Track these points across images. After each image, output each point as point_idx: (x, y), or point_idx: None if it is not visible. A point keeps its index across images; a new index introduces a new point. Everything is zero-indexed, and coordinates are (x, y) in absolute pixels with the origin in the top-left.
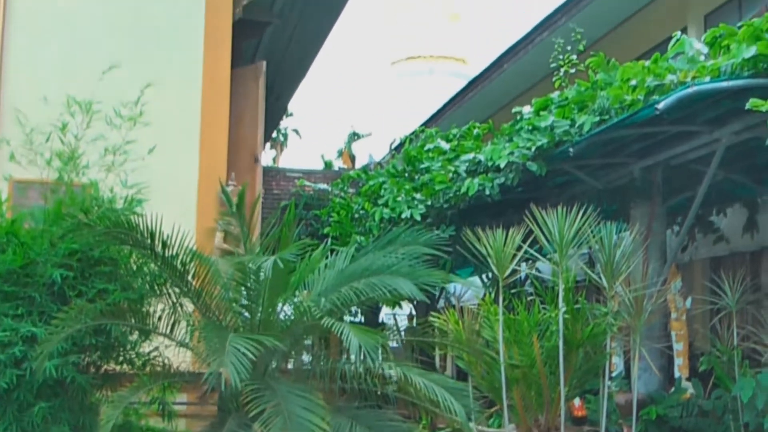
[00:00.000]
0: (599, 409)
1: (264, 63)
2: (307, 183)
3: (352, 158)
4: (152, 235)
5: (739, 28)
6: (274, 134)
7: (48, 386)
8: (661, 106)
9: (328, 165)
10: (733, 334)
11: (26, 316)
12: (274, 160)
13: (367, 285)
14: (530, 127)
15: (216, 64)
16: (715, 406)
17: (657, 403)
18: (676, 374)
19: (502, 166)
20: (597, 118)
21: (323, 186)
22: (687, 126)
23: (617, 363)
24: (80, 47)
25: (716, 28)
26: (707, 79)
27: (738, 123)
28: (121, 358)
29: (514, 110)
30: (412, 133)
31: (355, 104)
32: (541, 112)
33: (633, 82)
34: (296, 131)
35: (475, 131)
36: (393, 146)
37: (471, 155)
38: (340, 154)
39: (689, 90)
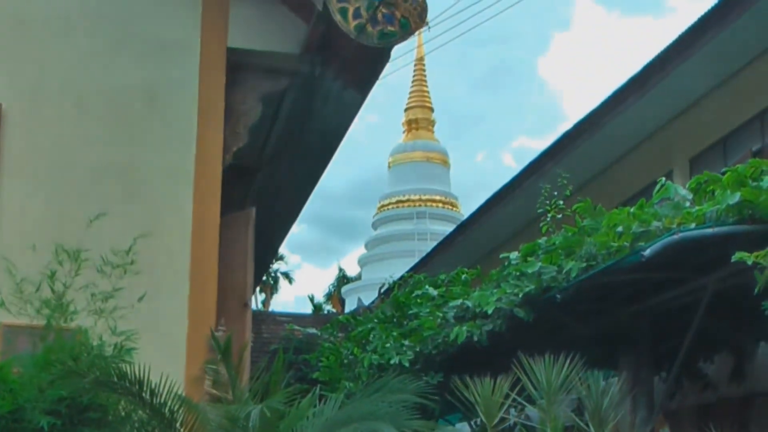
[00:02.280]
0: None
1: (253, 210)
2: (296, 327)
3: (342, 302)
4: (141, 384)
5: (723, 173)
6: (264, 277)
7: None
8: (647, 252)
9: (317, 308)
10: None
11: None
12: (264, 303)
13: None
14: (517, 273)
15: (205, 212)
16: None
17: None
18: None
19: (489, 312)
20: (584, 264)
21: (313, 330)
22: (673, 272)
23: None
24: (69, 196)
25: (700, 175)
26: (692, 225)
27: (724, 270)
28: None
29: (501, 255)
30: (401, 278)
31: (345, 246)
32: (529, 258)
33: (619, 229)
34: (286, 275)
35: (463, 276)
36: (382, 290)
37: (459, 301)
38: (329, 297)
39: (675, 237)
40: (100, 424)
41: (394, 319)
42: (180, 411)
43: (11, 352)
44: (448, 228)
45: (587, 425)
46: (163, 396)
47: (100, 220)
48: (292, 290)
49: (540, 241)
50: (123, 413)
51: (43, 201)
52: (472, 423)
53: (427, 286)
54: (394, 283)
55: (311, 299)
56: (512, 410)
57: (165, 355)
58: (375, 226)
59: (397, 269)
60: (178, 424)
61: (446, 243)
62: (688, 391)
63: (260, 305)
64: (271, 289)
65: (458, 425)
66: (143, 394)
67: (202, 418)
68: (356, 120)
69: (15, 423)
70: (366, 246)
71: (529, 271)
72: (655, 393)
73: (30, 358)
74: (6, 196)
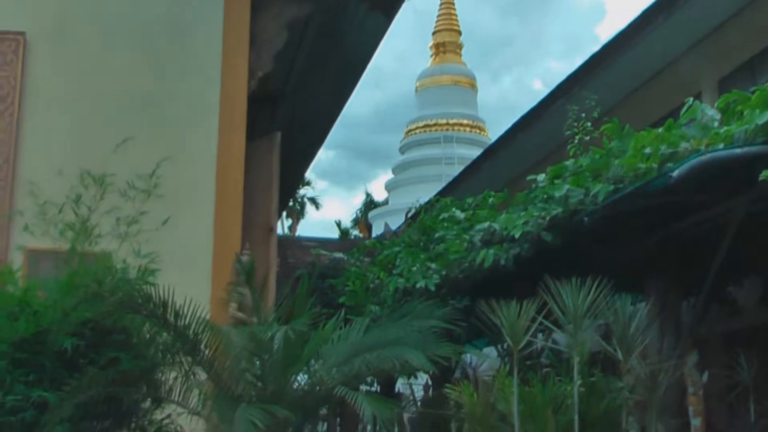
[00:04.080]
0: None
1: (279, 134)
2: (322, 252)
3: (368, 227)
4: (165, 306)
5: (752, 93)
6: (291, 202)
7: None
8: (675, 174)
9: (344, 233)
10: (750, 409)
11: (37, 383)
12: (290, 228)
13: (380, 357)
14: (545, 196)
15: (231, 138)
16: None
17: None
18: None
19: (516, 236)
20: (611, 187)
21: (339, 255)
22: (702, 195)
23: None
24: (95, 122)
25: (729, 93)
26: (721, 146)
27: (753, 191)
28: (133, 426)
29: (528, 178)
30: (428, 202)
31: (372, 172)
32: (556, 181)
33: (647, 150)
34: (313, 200)
35: (490, 200)
36: (409, 215)
37: (486, 225)
38: (356, 222)
39: (703, 158)
40: (123, 346)
41: (421, 243)
42: (204, 333)
43: (35, 276)
44: (476, 152)
45: (614, 350)
46: (188, 318)
47: (125, 146)
48: (318, 216)
49: (567, 163)
50: (147, 336)
51: (68, 128)
52: (499, 348)
53: (453, 210)
54: (421, 207)
55: (338, 224)
56: (539, 335)
57: (190, 279)
58: (402, 150)
59: (424, 194)
60: (202, 346)
61: (473, 167)
62: (717, 317)
63: (286, 231)
64: (297, 214)
65: (485, 350)
66: (167, 317)
67: (227, 340)
68: (382, 45)
69: (39, 345)
70: (393, 171)
71: (556, 194)
72: (683, 319)
73: (54, 282)
74: (31, 123)
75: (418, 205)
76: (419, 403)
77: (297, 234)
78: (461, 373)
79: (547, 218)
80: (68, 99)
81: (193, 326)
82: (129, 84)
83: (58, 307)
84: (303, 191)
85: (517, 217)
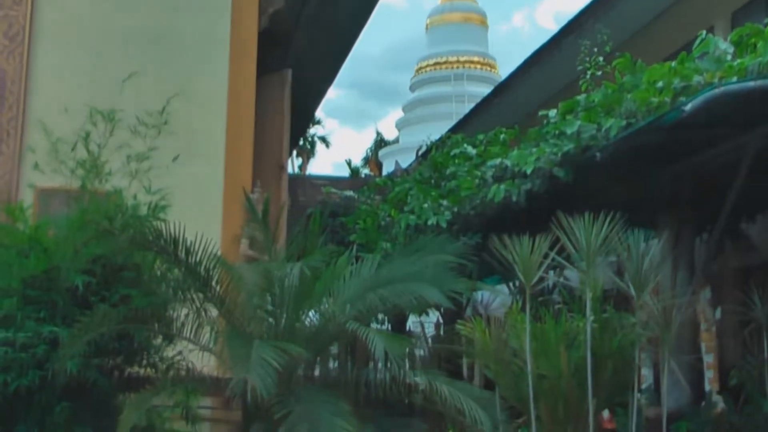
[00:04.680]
0: (629, 423)
1: (289, 72)
2: (333, 190)
3: (379, 165)
4: (176, 242)
5: (766, 26)
6: (301, 141)
7: (71, 389)
8: (687, 107)
9: (354, 172)
10: (763, 346)
11: (49, 320)
12: (300, 168)
13: (393, 292)
14: (557, 132)
15: (241, 74)
16: (747, 422)
17: (687, 419)
18: (706, 388)
19: (528, 172)
20: (624, 122)
21: (350, 193)
22: (715, 129)
23: (646, 375)
24: (104, 59)
25: (742, 27)
26: (734, 79)
27: (766, 125)
28: (144, 362)
29: (540, 113)
30: (439, 139)
31: (383, 111)
32: (568, 116)
33: (659, 84)
34: (323, 139)
35: (502, 136)
36: (419, 153)
37: (497, 161)
38: (367, 161)
39: (716, 91)
40: (135, 283)
41: (432, 180)
42: (216, 270)
43: (46, 215)
44: (486, 90)
45: (627, 286)
46: (199, 255)
47: (134, 82)
48: (328, 156)
49: (579, 98)
50: (158, 272)
51: (76, 64)
52: (510, 285)
53: (465, 146)
54: (432, 144)
55: (348, 163)
56: (551, 272)
57: (201, 216)
58: (413, 88)
59: (435, 132)
60: (213, 283)
61: (484, 104)
62: (730, 253)
63: (297, 170)
64: (307, 154)
65: (496, 288)
66: (179, 253)
67: (238, 277)
68: None
69: (50, 282)
70: (403, 109)
71: (568, 130)
72: (696, 255)
73: (65, 220)
74: (40, 60)
75: (429, 143)
76: (430, 341)
77: (307, 173)
78: (472, 311)
79: (559, 154)
80: (77, 36)
81: (204, 263)
82: (138, 20)
83: (69, 244)
84: (313, 130)
85: (528, 153)
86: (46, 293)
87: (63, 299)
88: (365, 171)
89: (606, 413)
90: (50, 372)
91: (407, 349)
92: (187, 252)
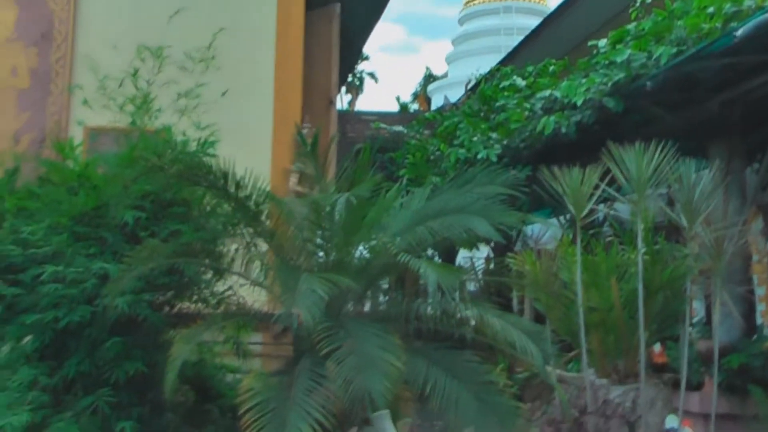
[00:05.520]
0: (680, 356)
1: (338, 6)
2: (382, 125)
3: (428, 100)
4: (225, 177)
5: None
6: (350, 78)
7: (121, 324)
8: (739, 33)
9: (403, 107)
10: None
11: (98, 256)
12: (350, 104)
13: (443, 225)
14: (606, 62)
15: (289, 8)
16: None
17: (739, 351)
18: (758, 320)
19: (578, 103)
20: (674, 50)
21: (399, 128)
22: (766, 55)
23: (698, 308)
24: None
25: None
26: None
27: None
28: (195, 297)
29: (590, 43)
30: (488, 72)
31: (431, 45)
32: (617, 45)
33: (710, 10)
34: (372, 75)
35: (551, 68)
36: (468, 86)
37: (547, 92)
38: (416, 96)
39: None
40: (184, 218)
41: (481, 113)
42: (265, 204)
43: (95, 152)
44: (535, 22)
45: (678, 217)
46: (249, 189)
47: (181, 18)
48: (377, 93)
49: (629, 27)
50: (208, 208)
51: (123, 2)
52: (560, 218)
53: (514, 78)
54: (481, 77)
55: (397, 99)
56: (601, 205)
57: (249, 151)
58: (461, 22)
59: (484, 65)
60: (263, 217)
61: (533, 36)
62: None
63: (346, 106)
64: (356, 90)
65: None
66: (228, 188)
67: (288, 210)
68: None
69: (99, 219)
70: (453, 43)
71: (618, 59)
72: (748, 185)
73: (114, 156)
74: None
75: (478, 76)
76: (480, 274)
77: (356, 109)
78: (522, 244)
79: (609, 84)
80: None
81: (254, 197)
82: None
83: (119, 181)
84: (361, 67)
85: (578, 84)
86: (95, 229)
87: (112, 235)
88: (414, 106)
89: (657, 346)
90: (100, 307)
91: (458, 279)
92: (237, 186)
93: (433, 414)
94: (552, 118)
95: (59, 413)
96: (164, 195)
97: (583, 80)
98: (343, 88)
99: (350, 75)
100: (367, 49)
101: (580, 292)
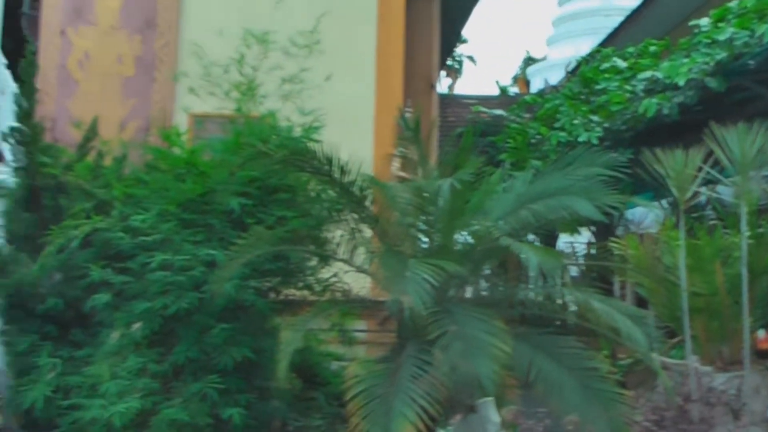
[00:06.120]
0: None
1: None
2: (482, 109)
3: (527, 83)
4: (330, 162)
5: None
6: (449, 61)
7: (228, 310)
8: None
9: (503, 91)
10: None
11: (205, 243)
12: (449, 87)
13: (546, 207)
14: (708, 41)
15: None
16: None
17: None
18: None
19: (680, 83)
20: None
21: (499, 112)
22: None
23: None
24: None
25: None
26: None
27: None
28: (300, 284)
29: (691, 23)
30: (588, 54)
31: (529, 28)
32: (719, 24)
33: None
34: (471, 58)
35: (652, 48)
36: (568, 69)
37: (648, 74)
38: (515, 79)
39: None
40: (290, 204)
41: (582, 96)
42: (370, 189)
43: (200, 139)
44: (635, 1)
45: None
46: (353, 174)
47: (284, 2)
48: (475, 78)
49: (731, 5)
50: (312, 193)
51: None
52: (662, 202)
53: (615, 59)
54: (581, 59)
55: (497, 83)
56: (703, 188)
57: (352, 136)
58: (560, 3)
59: (584, 47)
60: (367, 203)
61: (633, 17)
62: None
63: (445, 89)
64: (455, 73)
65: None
66: (333, 173)
67: (392, 195)
68: None
69: (206, 205)
70: (552, 25)
71: (721, 37)
72: None
73: (220, 142)
74: None
75: (578, 58)
76: (582, 259)
77: (455, 92)
78: (624, 228)
79: (712, 63)
80: None
81: (358, 182)
82: None
83: (225, 167)
84: (460, 50)
85: (680, 64)
86: (202, 216)
87: (219, 222)
88: (513, 90)
89: (761, 332)
90: (208, 294)
91: (561, 263)
92: (342, 172)
93: (536, 401)
94: (654, 99)
95: (168, 400)
96: (270, 181)
97: (685, 60)
98: (443, 72)
99: (449, 58)
100: (465, 32)
101: (684, 277)
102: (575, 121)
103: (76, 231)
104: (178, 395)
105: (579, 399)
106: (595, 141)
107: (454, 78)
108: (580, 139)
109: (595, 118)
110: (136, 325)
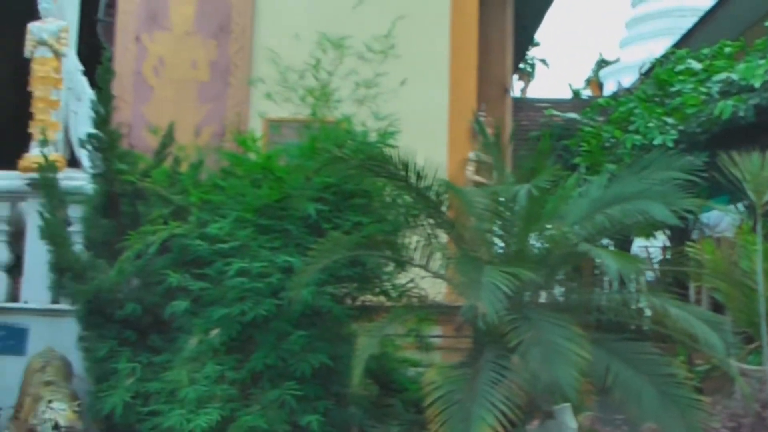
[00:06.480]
0: None
1: None
2: (555, 113)
3: (600, 86)
4: (406, 167)
5: None
6: (521, 65)
7: (305, 316)
8: None
9: (576, 94)
10: None
11: (282, 249)
12: (522, 91)
13: (621, 211)
14: None
15: None
16: None
17: None
18: None
19: (756, 85)
20: None
21: (572, 115)
22: None
23: None
24: None
25: None
26: None
27: None
28: (376, 290)
29: (767, 23)
30: (662, 55)
31: (601, 30)
32: None
33: None
34: (543, 61)
35: (727, 50)
36: (642, 71)
37: (723, 75)
38: (588, 82)
39: None
40: (366, 210)
41: (656, 98)
42: (445, 194)
43: (274, 144)
44: (710, 2)
45: None
46: (429, 179)
47: (359, 6)
48: (548, 81)
49: None
50: (388, 199)
51: None
52: (739, 205)
53: (689, 61)
54: (655, 61)
55: (570, 86)
56: None
57: (427, 141)
58: (634, 4)
59: (657, 49)
60: (443, 208)
61: (707, 17)
62: None
63: (518, 94)
64: (528, 77)
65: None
66: (409, 178)
67: (468, 201)
68: None
69: (282, 211)
70: (625, 26)
71: None
72: None
73: (296, 147)
74: None
75: (652, 60)
76: (657, 264)
77: (528, 96)
78: (699, 233)
79: None
80: None
81: (434, 187)
82: None
83: (301, 172)
84: (532, 53)
85: (756, 66)
86: (279, 222)
87: (296, 227)
88: (586, 93)
89: None
90: (285, 300)
91: (639, 269)
92: (418, 177)
93: (613, 407)
94: (729, 101)
95: (247, 407)
96: (345, 186)
97: (761, 62)
98: (515, 76)
99: (522, 62)
100: (537, 35)
101: (761, 281)
102: (650, 124)
103: (153, 236)
104: (256, 402)
105: (656, 405)
106: (670, 144)
107: (527, 81)
108: (655, 142)
109: (669, 120)
110: (214, 332)
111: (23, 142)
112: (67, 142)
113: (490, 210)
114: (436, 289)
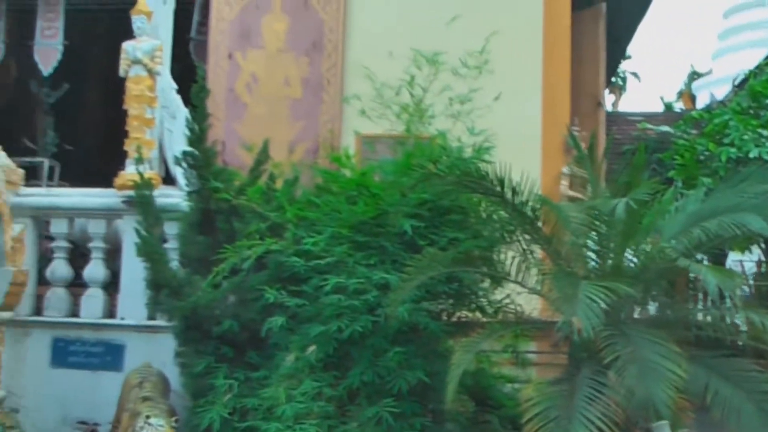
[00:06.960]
0: None
1: (604, 5)
2: (648, 126)
3: (693, 98)
4: (502, 183)
5: None
6: (613, 78)
7: (401, 333)
8: None
9: (668, 107)
10: None
11: (378, 265)
12: (614, 104)
13: (718, 225)
14: None
15: (556, 9)
16: None
17: None
18: None
19: None
20: None
21: (665, 128)
22: None
23: None
24: (421, 0)
25: None
26: None
27: None
28: (473, 306)
29: None
30: (756, 67)
31: (693, 42)
32: None
33: None
34: (635, 74)
35: None
36: (736, 82)
37: None
38: (680, 95)
39: None
40: (461, 226)
41: (751, 110)
42: (541, 210)
43: (368, 160)
44: None
45: None
46: (524, 195)
47: (452, 22)
48: (639, 94)
49: None
50: (484, 215)
51: (395, 7)
52: None
53: None
54: (750, 72)
55: (662, 99)
56: None
57: (520, 155)
58: (726, 15)
59: (750, 60)
60: (539, 223)
61: None
62: None
63: (610, 107)
64: (619, 90)
65: None
66: (504, 194)
67: (564, 215)
68: None
69: (378, 228)
70: (717, 38)
71: None
72: None
73: (391, 164)
74: (356, 7)
75: (746, 72)
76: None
77: (620, 109)
78: None
79: None
80: None
81: (530, 203)
82: None
83: (396, 188)
84: (623, 66)
85: None
86: (375, 238)
87: (391, 244)
88: (679, 106)
89: None
90: (382, 317)
91: (740, 284)
92: (513, 192)
93: (712, 425)
94: None
95: (344, 424)
96: (441, 202)
97: None
98: (607, 89)
99: (613, 76)
100: (629, 48)
101: None
102: (745, 137)
103: (249, 251)
104: (354, 419)
105: (758, 424)
106: (766, 156)
107: (618, 95)
108: (751, 155)
109: (765, 132)
110: (311, 348)
111: (119, 160)
112: (162, 160)
113: (587, 225)
114: (531, 305)
